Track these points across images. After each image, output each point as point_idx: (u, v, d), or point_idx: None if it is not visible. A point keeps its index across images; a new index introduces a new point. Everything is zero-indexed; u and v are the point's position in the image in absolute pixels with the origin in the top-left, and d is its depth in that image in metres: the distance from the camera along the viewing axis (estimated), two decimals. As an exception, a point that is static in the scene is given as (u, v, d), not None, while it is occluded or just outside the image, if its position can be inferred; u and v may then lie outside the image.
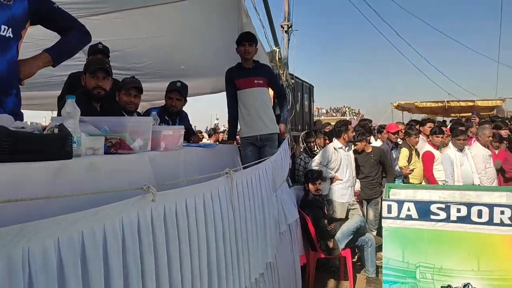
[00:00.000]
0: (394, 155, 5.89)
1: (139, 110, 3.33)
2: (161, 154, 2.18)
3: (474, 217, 2.62)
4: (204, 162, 2.82)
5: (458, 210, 2.66)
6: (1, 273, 0.93)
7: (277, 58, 4.67)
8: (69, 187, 1.43)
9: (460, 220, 2.65)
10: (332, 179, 5.07)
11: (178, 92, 3.62)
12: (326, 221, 4.64)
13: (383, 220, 2.86)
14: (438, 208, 2.69)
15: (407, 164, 5.63)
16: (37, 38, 3.21)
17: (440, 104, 15.41)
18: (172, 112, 3.68)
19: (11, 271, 0.95)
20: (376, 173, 5.47)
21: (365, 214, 5.50)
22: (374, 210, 5.49)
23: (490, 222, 2.59)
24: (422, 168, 5.62)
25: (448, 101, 15.36)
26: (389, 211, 2.81)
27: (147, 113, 3.51)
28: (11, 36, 1.91)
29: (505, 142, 6.04)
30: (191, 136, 3.85)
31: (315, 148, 5.76)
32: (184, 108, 3.88)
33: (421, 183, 5.63)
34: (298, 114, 6.39)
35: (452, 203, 2.68)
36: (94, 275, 1.19)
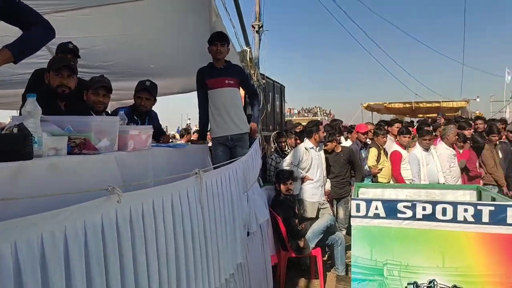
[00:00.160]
0: (363, 155, 6.01)
1: (108, 109, 3.25)
2: (129, 155, 2.14)
3: (439, 215, 2.70)
4: (174, 163, 2.79)
5: (424, 208, 2.72)
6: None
7: (248, 58, 4.67)
8: (29, 188, 1.38)
9: (426, 218, 2.72)
10: (303, 179, 5.11)
11: (147, 91, 3.56)
12: (297, 220, 4.67)
13: (352, 219, 2.91)
14: (404, 206, 2.75)
15: (375, 163, 5.74)
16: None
17: (408, 105, 15.81)
18: (141, 112, 3.61)
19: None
20: (346, 172, 5.57)
21: (335, 213, 5.58)
22: (344, 209, 5.58)
23: (454, 219, 2.66)
24: (390, 168, 5.75)
25: (415, 102, 15.79)
26: (358, 210, 2.85)
27: (115, 112, 3.43)
28: None
29: (469, 142, 6.24)
30: (161, 136, 3.79)
31: (286, 148, 5.79)
32: (155, 108, 3.83)
33: (389, 182, 5.76)
34: (269, 114, 6.41)
35: (417, 202, 2.75)
36: (55, 280, 1.15)
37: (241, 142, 3.84)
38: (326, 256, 5.25)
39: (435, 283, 2.70)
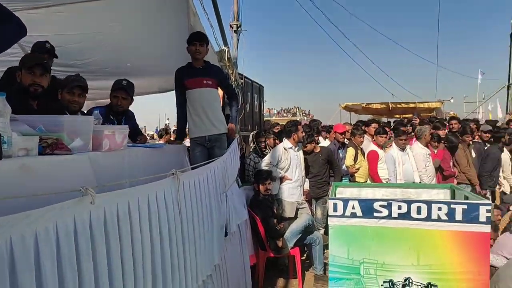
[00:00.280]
0: (341, 155, 6.06)
1: (83, 109, 3.19)
2: (103, 155, 2.10)
3: (413, 214, 2.74)
4: (150, 163, 2.75)
5: (399, 207, 2.76)
6: None
7: (226, 58, 4.65)
8: (-2, 190, 1.33)
9: (401, 216, 2.76)
10: (281, 179, 5.13)
11: (124, 90, 3.50)
12: (275, 220, 4.68)
13: (329, 218, 2.92)
14: (380, 205, 2.79)
15: (353, 163, 5.81)
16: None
17: (384, 106, 16.09)
18: (117, 112, 3.55)
19: None
20: (324, 172, 5.61)
21: (314, 212, 5.62)
22: (322, 209, 5.62)
23: (428, 218, 2.71)
24: (367, 167, 5.83)
25: (392, 103, 16.07)
26: (335, 210, 2.87)
27: (90, 112, 3.36)
28: None
29: (443, 141, 6.38)
30: (138, 136, 3.74)
31: (265, 148, 5.80)
32: (132, 108, 3.77)
33: (366, 181, 5.84)
34: (248, 114, 6.41)
35: (393, 201, 2.79)
36: (25, 285, 1.11)
37: (219, 143, 3.82)
38: (305, 255, 5.28)
39: (410, 280, 2.74)
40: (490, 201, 3.81)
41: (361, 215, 2.82)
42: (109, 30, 4.11)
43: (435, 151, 6.24)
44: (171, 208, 2.08)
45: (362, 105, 16.16)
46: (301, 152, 5.36)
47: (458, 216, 2.66)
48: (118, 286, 1.55)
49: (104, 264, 1.48)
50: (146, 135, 10.94)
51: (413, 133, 6.61)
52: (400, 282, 2.76)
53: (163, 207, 1.99)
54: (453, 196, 3.52)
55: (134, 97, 3.75)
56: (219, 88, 4.02)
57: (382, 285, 2.79)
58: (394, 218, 2.77)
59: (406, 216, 2.75)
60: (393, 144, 5.93)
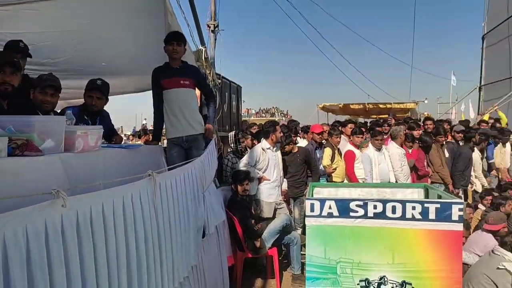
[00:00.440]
0: (318, 155, 6.11)
1: (56, 109, 3.11)
2: (76, 156, 2.05)
3: (389, 213, 2.78)
4: (126, 164, 2.70)
5: (375, 207, 2.80)
6: None
7: (203, 58, 4.62)
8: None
9: (377, 216, 2.80)
10: (260, 179, 5.13)
11: (98, 90, 3.44)
12: (253, 221, 4.68)
13: (306, 218, 2.94)
14: (356, 205, 2.82)
15: (330, 163, 5.86)
16: None
17: (361, 106, 16.31)
18: (92, 112, 3.48)
19: None
20: (302, 172, 5.65)
21: (292, 212, 5.64)
22: (299, 209, 5.66)
23: (403, 217, 2.76)
24: (344, 167, 5.89)
25: (368, 104, 16.31)
26: (312, 210, 2.89)
27: (63, 112, 3.28)
28: None
29: (417, 141, 6.51)
30: (113, 136, 3.68)
31: (245, 150, 5.79)
32: (108, 108, 3.71)
33: (343, 181, 5.90)
34: (225, 114, 6.38)
35: (369, 200, 2.83)
36: (-9, 291, 1.08)
37: (196, 143, 3.80)
38: (282, 255, 5.29)
39: (386, 279, 2.78)
40: (462, 200, 3.90)
41: (338, 215, 2.85)
42: (83, 28, 4.03)
43: (410, 151, 6.35)
44: (147, 210, 2.05)
45: (340, 105, 16.35)
46: (279, 153, 5.38)
47: (432, 215, 2.72)
48: (92, 291, 1.51)
49: (77, 269, 1.45)
50: (123, 135, 10.76)
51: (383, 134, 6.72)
52: (376, 281, 2.80)
53: (139, 209, 1.96)
54: (426, 195, 3.59)
55: (109, 97, 3.69)
56: (196, 88, 3.99)
57: (358, 284, 2.82)
58: (370, 217, 2.81)
59: (381, 215, 2.79)
60: (369, 144, 6.02)
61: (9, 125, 1.70)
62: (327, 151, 5.93)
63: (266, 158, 5.12)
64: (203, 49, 4.69)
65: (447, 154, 6.66)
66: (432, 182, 6.18)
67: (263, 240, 4.62)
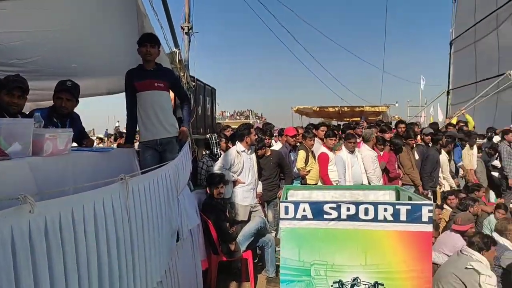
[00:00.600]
0: (292, 157, 6.15)
1: (24, 111, 3.02)
2: (45, 160, 1.99)
3: (361, 215, 2.82)
4: (97, 168, 2.64)
5: (348, 209, 2.84)
6: None
7: (177, 60, 4.58)
8: None
9: (350, 218, 2.83)
10: (235, 182, 5.12)
11: (68, 92, 3.36)
12: (228, 224, 4.66)
13: (280, 221, 2.94)
14: (330, 207, 2.85)
15: (304, 165, 5.91)
16: None
17: (335, 109, 16.53)
18: (61, 114, 3.40)
19: None
20: (275, 175, 5.68)
21: (266, 215, 5.65)
22: (273, 211, 5.68)
23: (375, 219, 2.81)
24: (318, 170, 5.95)
25: (341, 107, 16.55)
26: (286, 212, 2.90)
27: (31, 114, 3.19)
28: None
29: (388, 144, 6.66)
30: (83, 139, 3.60)
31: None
32: (78, 110, 3.63)
33: (317, 183, 5.95)
34: (200, 117, 6.34)
35: (342, 203, 2.86)
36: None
37: (170, 146, 3.75)
38: (257, 258, 5.29)
39: (359, 280, 2.82)
40: (432, 202, 4.00)
41: (312, 217, 2.87)
42: (53, 28, 3.91)
43: (381, 153, 6.49)
44: (119, 215, 2.00)
45: (313, 108, 16.51)
46: (253, 155, 5.39)
47: (403, 216, 2.77)
48: (61, 299, 1.47)
49: (45, 277, 1.40)
50: (95, 138, 10.54)
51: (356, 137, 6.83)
52: (349, 282, 2.83)
53: (111, 214, 1.91)
54: (398, 197, 3.67)
55: (80, 99, 3.61)
56: (170, 91, 3.94)
57: (331, 286, 2.85)
58: (343, 219, 2.84)
59: (354, 217, 2.83)
60: (343, 146, 6.11)
61: (-27, 128, 1.64)
62: (301, 154, 5.97)
63: (241, 161, 5.11)
64: (177, 51, 4.65)
65: (417, 157, 6.83)
66: (402, 184, 6.32)
67: (238, 243, 4.61)
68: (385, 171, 6.44)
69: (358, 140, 6.46)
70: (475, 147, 7.79)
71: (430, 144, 7.10)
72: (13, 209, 1.28)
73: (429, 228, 2.77)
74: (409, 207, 2.78)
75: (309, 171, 5.93)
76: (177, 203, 3.26)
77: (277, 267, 4.82)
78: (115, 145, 9.00)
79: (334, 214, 2.84)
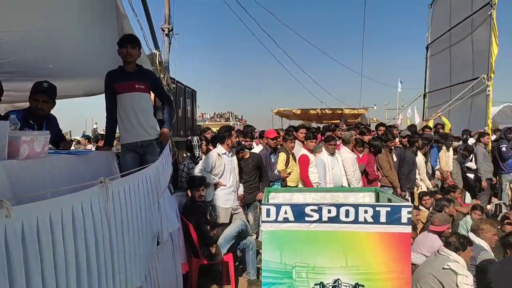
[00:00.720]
0: (273, 160, 6.16)
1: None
2: (21, 163, 1.94)
3: (342, 217, 2.85)
4: (75, 171, 2.60)
5: (329, 211, 2.86)
6: None
7: (157, 62, 4.53)
8: None
9: (331, 220, 2.86)
10: (216, 185, 5.10)
11: (45, 93, 3.29)
12: (209, 227, 4.63)
13: (262, 224, 2.95)
14: (311, 210, 2.87)
15: (284, 167, 5.93)
16: None
17: (314, 112, 16.67)
18: (38, 116, 3.32)
19: None
20: (255, 178, 5.68)
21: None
22: (253, 214, 5.67)
23: (356, 221, 2.84)
24: (298, 172, 5.98)
25: (321, 109, 16.70)
26: (268, 215, 2.90)
27: (6, 116, 3.10)
28: None
29: (367, 146, 6.75)
30: (61, 142, 3.52)
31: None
32: (55, 112, 3.55)
33: (297, 185, 5.98)
34: (180, 119, 6.29)
35: (323, 205, 2.88)
36: None
37: (151, 149, 3.70)
38: (238, 261, 5.28)
39: (340, 282, 2.84)
40: (410, 203, 4.07)
41: (293, 219, 2.88)
42: (29, 28, 3.82)
43: (360, 155, 6.57)
44: (98, 219, 1.97)
45: (293, 111, 16.61)
46: (234, 158, 5.37)
47: (383, 218, 2.81)
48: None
49: (22, 283, 1.36)
50: (72, 140, 10.34)
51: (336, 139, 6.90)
52: (330, 284, 2.85)
53: (90, 218, 1.88)
54: (377, 198, 3.72)
55: (57, 101, 3.53)
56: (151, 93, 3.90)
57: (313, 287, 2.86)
58: (325, 221, 2.86)
59: (335, 219, 2.85)
60: (323, 149, 6.16)
61: None
62: (282, 156, 5.99)
63: (222, 163, 5.09)
64: (157, 52, 4.61)
65: (395, 159, 6.95)
66: (381, 186, 6.42)
67: (219, 246, 4.58)
68: (364, 173, 6.53)
69: (338, 142, 6.53)
70: (451, 149, 7.97)
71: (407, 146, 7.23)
72: (-11, 214, 1.24)
73: (408, 229, 2.82)
74: (388, 208, 2.82)
75: (289, 173, 5.96)
76: (157, 206, 3.22)
77: (258, 269, 4.83)
78: (89, 147, 8.86)
79: (316, 216, 2.86)
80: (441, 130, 9.13)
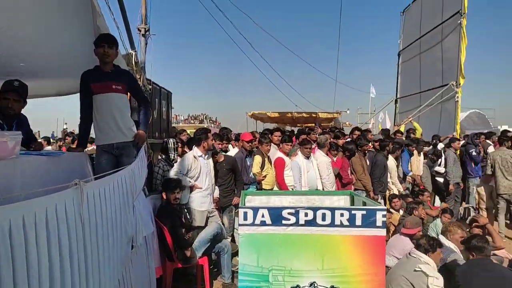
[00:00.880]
0: (248, 163, 6.17)
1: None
2: (-8, 164, 1.86)
3: (319, 220, 2.87)
4: (48, 173, 2.52)
5: (306, 214, 2.88)
6: None
7: (133, 62, 4.47)
8: None
9: (308, 223, 2.88)
10: (191, 188, 5.05)
11: (15, 92, 3.19)
12: (184, 230, 4.59)
13: (239, 227, 2.94)
14: (289, 213, 2.88)
15: (260, 170, 5.95)
16: None
17: (289, 115, 16.80)
18: (8, 115, 3.21)
19: None
20: (229, 181, 5.67)
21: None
22: (228, 217, 5.66)
23: (332, 224, 2.87)
24: (274, 175, 6.01)
25: (295, 112, 16.85)
26: (245, 218, 2.90)
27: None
28: None
29: (341, 150, 6.85)
30: (32, 142, 3.42)
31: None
32: (25, 111, 3.44)
33: (272, 188, 6.01)
34: (155, 120, 6.22)
35: (301, 208, 2.90)
36: None
37: (128, 151, 3.64)
38: (213, 264, 5.24)
39: (316, 285, 2.86)
40: (385, 207, 4.14)
41: (271, 223, 2.89)
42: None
43: (335, 159, 6.66)
44: (72, 222, 1.91)
45: (268, 114, 16.69)
46: (210, 160, 5.35)
47: (358, 221, 2.85)
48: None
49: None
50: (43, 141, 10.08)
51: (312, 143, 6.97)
52: (306, 287, 2.87)
53: (64, 221, 1.82)
54: (352, 202, 3.77)
55: (28, 100, 3.43)
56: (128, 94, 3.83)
57: (289, 291, 2.87)
58: (301, 225, 2.88)
59: (312, 222, 2.88)
60: (299, 152, 6.21)
61: None
62: (257, 159, 6.01)
63: (198, 166, 5.06)
64: (133, 53, 4.54)
65: (368, 162, 7.07)
66: (355, 189, 6.53)
67: (194, 249, 4.55)
68: (338, 176, 6.62)
69: (313, 146, 6.59)
70: (422, 153, 8.18)
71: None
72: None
73: (383, 232, 2.87)
74: (364, 212, 2.86)
75: (265, 176, 5.98)
76: (132, 210, 3.16)
77: (233, 273, 4.82)
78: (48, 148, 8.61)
79: (293, 219, 2.88)
80: (412, 135, 9.36)
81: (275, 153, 6.27)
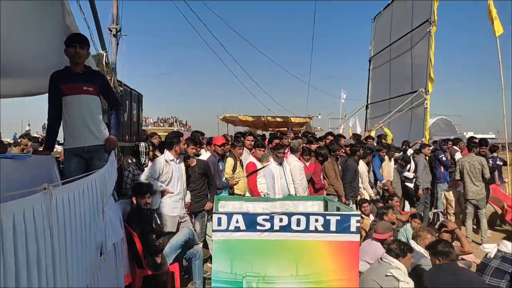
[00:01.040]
0: (221, 167, 6.11)
1: None
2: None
3: (294, 226, 2.87)
4: (13, 177, 2.40)
5: (281, 220, 2.88)
6: None
7: (103, 63, 4.34)
8: None
9: (282, 229, 2.87)
10: (163, 192, 4.95)
11: None
12: (154, 235, 4.48)
13: (213, 233, 2.90)
14: (263, 219, 2.86)
15: (231, 173, 5.90)
16: None
17: (260, 119, 16.83)
18: None
19: None
20: (202, 186, 5.59)
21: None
22: (200, 223, 5.58)
23: (306, 229, 2.87)
24: (246, 181, 5.96)
25: (268, 116, 16.89)
26: (219, 224, 2.86)
27: None
28: None
29: (314, 155, 6.89)
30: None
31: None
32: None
33: (244, 194, 5.96)
34: (126, 123, 6.07)
35: (275, 214, 2.89)
36: None
37: (99, 154, 3.53)
38: (184, 270, 5.15)
39: (290, 291, 2.85)
40: (359, 212, 4.19)
41: (245, 228, 2.87)
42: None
43: (307, 164, 6.69)
44: (40, 227, 1.83)
45: (240, 117, 16.66)
46: (182, 164, 5.26)
47: (333, 226, 2.87)
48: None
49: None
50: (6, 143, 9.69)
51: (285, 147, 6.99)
52: (280, 293, 2.86)
53: (32, 226, 1.74)
54: (326, 207, 3.79)
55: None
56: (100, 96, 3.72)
57: (263, 297, 2.85)
58: (276, 230, 2.87)
59: (287, 228, 2.87)
60: (271, 158, 6.19)
61: None
62: (229, 161, 5.97)
63: (170, 170, 4.97)
64: (104, 53, 4.42)
65: (340, 167, 7.15)
66: (327, 194, 6.57)
67: (165, 255, 4.45)
68: (310, 181, 6.65)
69: (285, 151, 6.60)
70: (392, 159, 8.35)
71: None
72: None
73: (357, 237, 2.90)
74: (338, 217, 2.89)
75: (237, 182, 5.93)
76: (102, 215, 3.06)
77: (205, 279, 4.75)
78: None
79: (267, 225, 2.87)
80: (383, 141, 9.53)
81: (247, 157, 6.24)
